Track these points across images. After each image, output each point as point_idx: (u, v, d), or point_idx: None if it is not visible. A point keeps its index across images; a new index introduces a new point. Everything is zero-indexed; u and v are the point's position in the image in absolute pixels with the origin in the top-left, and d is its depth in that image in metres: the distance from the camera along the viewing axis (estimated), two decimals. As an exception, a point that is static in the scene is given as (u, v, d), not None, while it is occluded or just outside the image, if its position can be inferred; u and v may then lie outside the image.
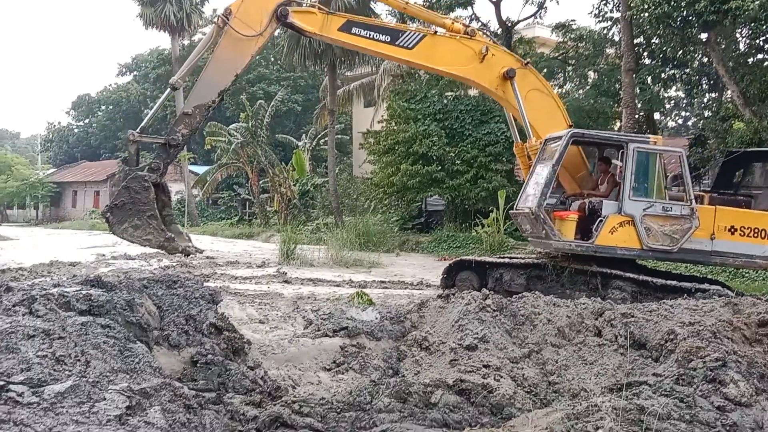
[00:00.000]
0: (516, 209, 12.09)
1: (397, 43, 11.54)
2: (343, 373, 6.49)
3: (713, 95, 28.94)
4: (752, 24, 19.84)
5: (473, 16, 28.26)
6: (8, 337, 4.28)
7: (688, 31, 20.44)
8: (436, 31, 11.98)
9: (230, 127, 41.75)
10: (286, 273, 15.55)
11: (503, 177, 24.83)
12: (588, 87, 27.92)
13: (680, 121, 44.48)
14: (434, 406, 5.18)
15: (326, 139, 34.65)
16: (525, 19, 29.03)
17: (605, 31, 26.74)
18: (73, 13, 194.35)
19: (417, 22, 18.09)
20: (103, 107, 72.62)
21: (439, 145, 25.21)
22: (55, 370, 4.10)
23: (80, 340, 4.58)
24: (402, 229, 28.09)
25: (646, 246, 10.79)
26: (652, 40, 24.06)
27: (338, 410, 4.95)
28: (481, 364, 5.91)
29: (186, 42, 51.28)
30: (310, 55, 29.91)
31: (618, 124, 25.79)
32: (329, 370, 6.62)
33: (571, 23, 28.24)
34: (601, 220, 10.84)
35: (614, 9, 24.62)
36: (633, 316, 6.69)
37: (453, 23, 12.22)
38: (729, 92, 22.76)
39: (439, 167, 25.24)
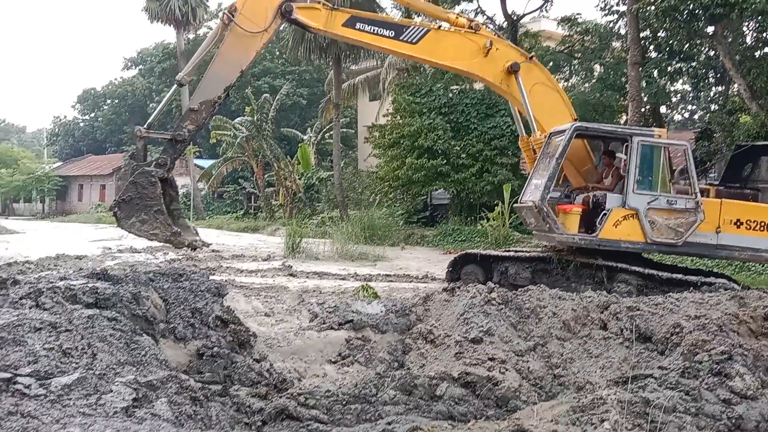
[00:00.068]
0: (520, 203, 12.08)
1: (401, 38, 11.52)
2: (348, 366, 6.51)
3: (720, 89, 28.80)
4: (759, 17, 19.76)
5: (479, 9, 28.25)
6: (15, 329, 4.30)
7: (694, 24, 20.34)
8: (440, 26, 11.94)
9: (235, 120, 41.76)
10: (291, 266, 15.57)
11: (508, 171, 24.78)
12: (594, 80, 27.82)
13: (686, 115, 44.29)
14: (439, 398, 5.19)
15: (331, 132, 34.69)
16: (531, 12, 29.00)
17: (611, 25, 26.68)
18: (79, 7, 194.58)
19: (422, 17, 18.05)
20: (108, 101, 72.75)
21: (445, 138, 25.17)
22: (61, 362, 4.12)
23: (87, 332, 4.61)
24: (407, 222, 28.09)
25: (650, 239, 10.75)
26: (659, 34, 23.96)
27: (344, 402, 4.97)
28: (486, 357, 5.91)
29: (191, 36, 51.25)
30: (315, 49, 29.91)
31: (624, 117, 25.73)
32: (335, 362, 6.64)
33: (577, 16, 28.17)
34: (605, 214, 10.81)
35: (620, 2, 24.56)
36: (638, 310, 6.68)
37: (457, 18, 12.17)
38: (736, 86, 22.66)
39: (445, 161, 25.20)
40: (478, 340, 6.24)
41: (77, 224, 41.51)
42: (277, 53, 53.99)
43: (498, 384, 5.36)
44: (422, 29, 11.64)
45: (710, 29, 20.97)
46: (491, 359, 5.86)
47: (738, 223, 10.87)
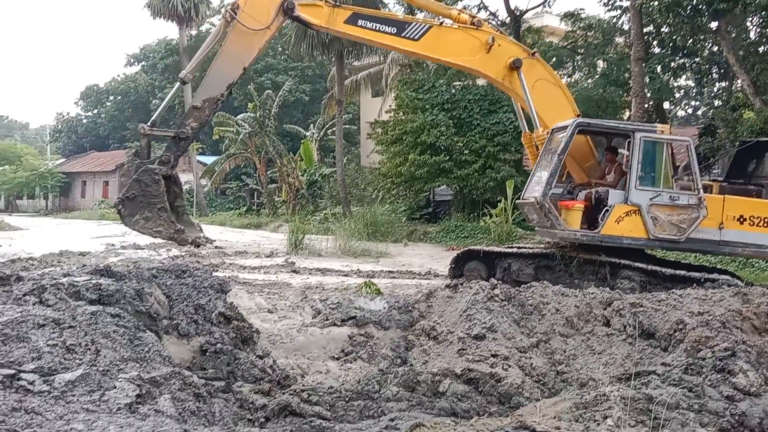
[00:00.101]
0: (522, 199, 12.07)
1: (403, 34, 11.51)
2: (351, 362, 6.52)
3: (723, 84, 28.75)
4: (763, 12, 19.69)
5: (481, 5, 28.15)
6: (19, 326, 4.31)
7: (698, 19, 20.30)
8: (442, 22, 11.94)
9: (238, 117, 41.75)
10: (294, 263, 15.59)
11: (511, 167, 24.76)
12: (597, 76, 27.75)
13: (690, 111, 44.16)
14: (442, 395, 5.19)
15: (334, 129, 34.66)
16: (534, 8, 28.86)
17: (614, 20, 26.58)
18: (81, 4, 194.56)
19: (425, 13, 18.02)
20: (111, 97, 72.85)
21: (447, 134, 25.15)
22: (65, 358, 4.13)
23: (90, 329, 4.61)
24: (410, 219, 28.09)
25: (652, 235, 10.73)
26: (662, 29, 23.90)
27: (346, 399, 4.98)
28: (489, 353, 5.90)
29: (194, 32, 51.25)
30: (317, 45, 29.87)
31: (627, 113, 25.66)
32: (337, 359, 6.65)
33: (580, 12, 28.08)
34: (607, 210, 10.79)
35: (624, -3, 24.47)
36: (642, 306, 6.66)
37: (460, 14, 12.16)
38: (739, 81, 22.61)
39: (447, 157, 25.19)
40: (480, 337, 6.24)
41: (80, 221, 41.56)
42: (280, 49, 53.91)
43: (501, 380, 5.36)
44: (424, 26, 11.64)
45: (714, 24, 20.91)
46: (494, 356, 5.86)
47: (741, 219, 10.85)
